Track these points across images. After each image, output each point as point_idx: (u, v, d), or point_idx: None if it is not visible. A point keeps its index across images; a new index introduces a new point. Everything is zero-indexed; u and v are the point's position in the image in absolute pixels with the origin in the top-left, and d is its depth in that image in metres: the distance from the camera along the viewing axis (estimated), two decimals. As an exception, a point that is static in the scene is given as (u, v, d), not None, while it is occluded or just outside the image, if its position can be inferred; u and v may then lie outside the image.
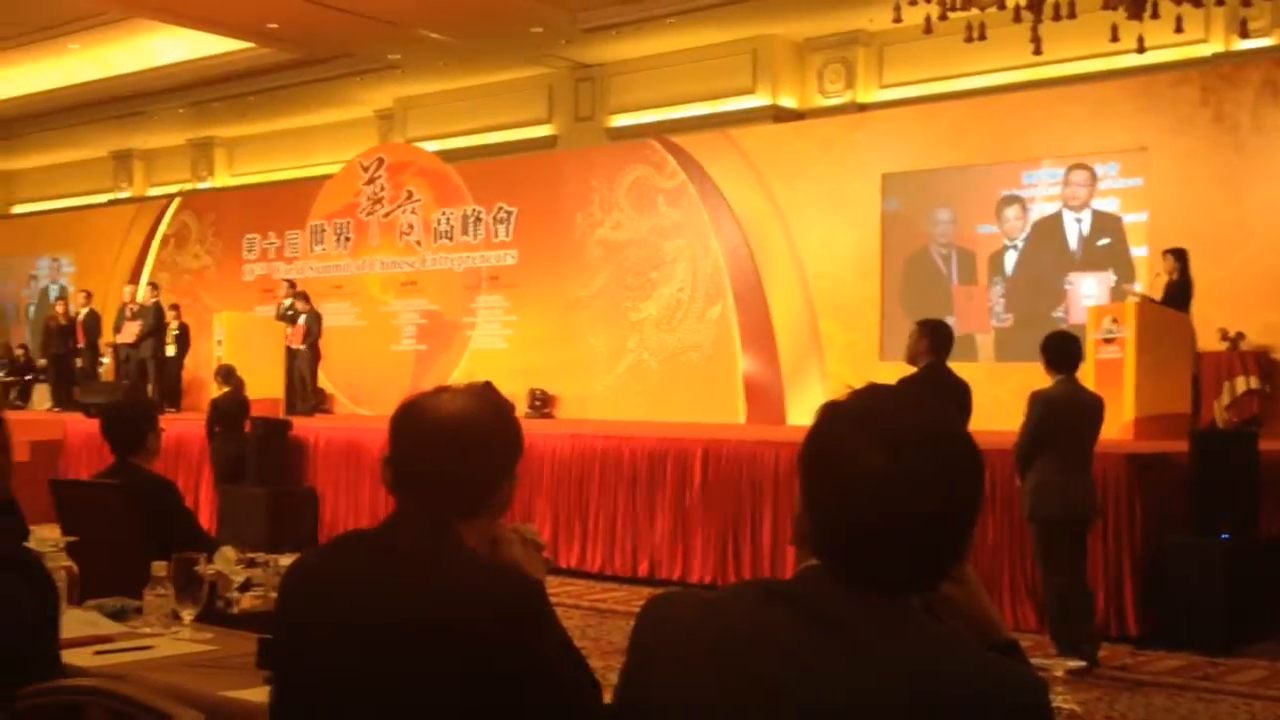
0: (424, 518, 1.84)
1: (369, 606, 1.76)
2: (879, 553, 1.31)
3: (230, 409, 9.99)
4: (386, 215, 15.21)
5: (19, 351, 17.44)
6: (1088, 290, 11.03)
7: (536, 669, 1.74)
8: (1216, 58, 11.61)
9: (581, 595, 7.92)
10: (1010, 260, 11.62)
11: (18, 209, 21.37)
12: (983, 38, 8.29)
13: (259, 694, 2.15)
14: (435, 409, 1.89)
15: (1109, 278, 10.99)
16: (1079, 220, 11.30)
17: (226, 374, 10.33)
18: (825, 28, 13.63)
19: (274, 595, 3.38)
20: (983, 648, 1.40)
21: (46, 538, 3.28)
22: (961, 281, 11.85)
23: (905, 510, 1.30)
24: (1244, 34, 9.58)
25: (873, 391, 1.40)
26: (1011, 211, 11.63)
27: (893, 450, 1.30)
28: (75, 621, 2.76)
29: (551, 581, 8.32)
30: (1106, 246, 11.14)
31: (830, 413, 1.38)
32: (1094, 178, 11.24)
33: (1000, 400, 8.55)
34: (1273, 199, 10.24)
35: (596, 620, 7.16)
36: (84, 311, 15.77)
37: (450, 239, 14.76)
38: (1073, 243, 11.32)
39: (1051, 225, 11.43)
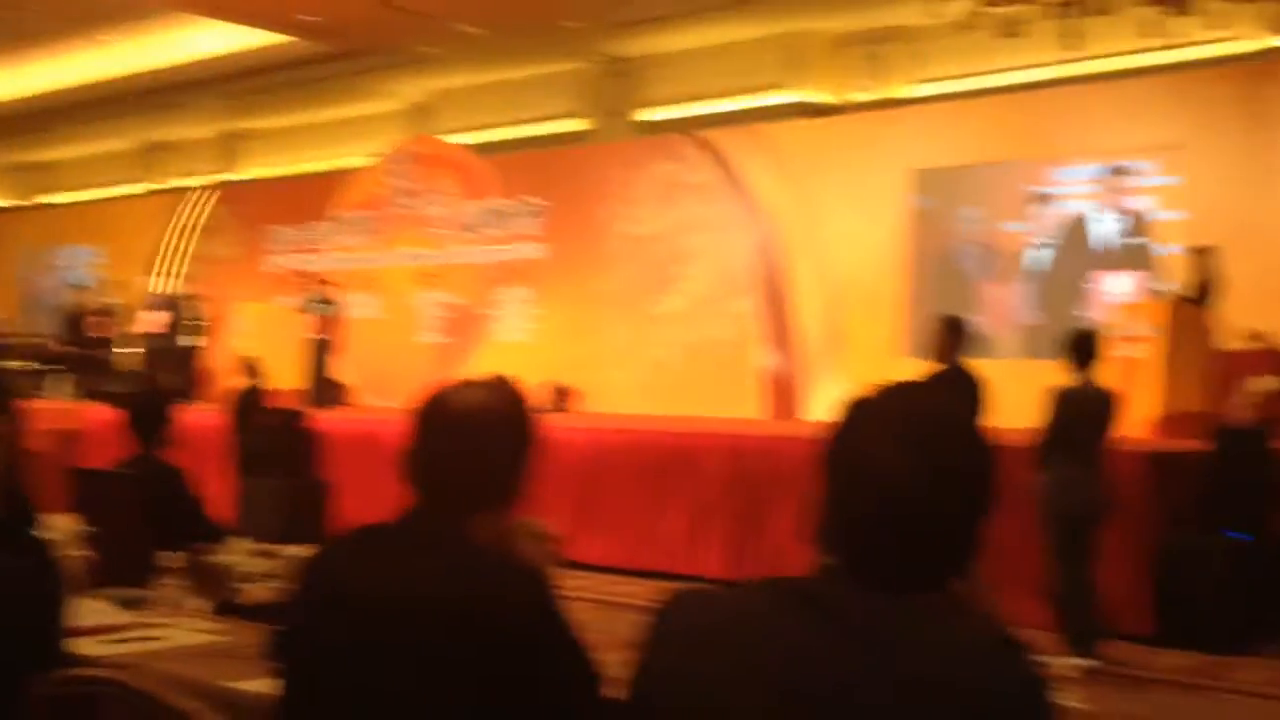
0: (439, 512, 1.86)
1: (379, 599, 1.78)
2: (895, 552, 1.32)
3: (252, 401, 10.04)
4: (413, 208, 15.25)
5: (47, 340, 17.59)
6: (1115, 288, 10.92)
7: (541, 660, 1.75)
8: (1253, 54, 11.46)
9: (594, 588, 7.91)
10: (1038, 258, 11.52)
11: (49, 199, 21.57)
12: (1017, 34, 8.22)
13: (264, 685, 2.15)
14: (454, 402, 1.91)
15: (1137, 276, 10.88)
16: (1109, 218, 11.18)
17: (248, 365, 10.39)
18: (860, 23, 13.54)
19: (285, 587, 3.40)
20: (991, 643, 1.40)
21: (63, 527, 3.30)
22: (988, 279, 11.75)
23: (923, 511, 1.31)
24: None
25: (894, 389, 1.41)
26: (1040, 209, 11.53)
27: (913, 449, 1.32)
28: (88, 610, 2.79)
29: (563, 574, 8.36)
30: (1135, 245, 11.02)
31: (852, 410, 1.39)
32: (1126, 177, 11.12)
33: (1025, 397, 8.44)
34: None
35: (607, 613, 7.13)
36: (110, 302, 15.90)
37: (477, 232, 14.78)
38: (1100, 242, 11.21)
39: (1079, 224, 11.32)
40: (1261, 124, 10.43)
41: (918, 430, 1.34)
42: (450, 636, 1.72)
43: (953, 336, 6.68)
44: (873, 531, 1.32)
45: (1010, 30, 8.15)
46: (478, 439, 1.88)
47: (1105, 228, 11.20)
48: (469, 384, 1.96)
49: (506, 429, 1.92)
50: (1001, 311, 11.61)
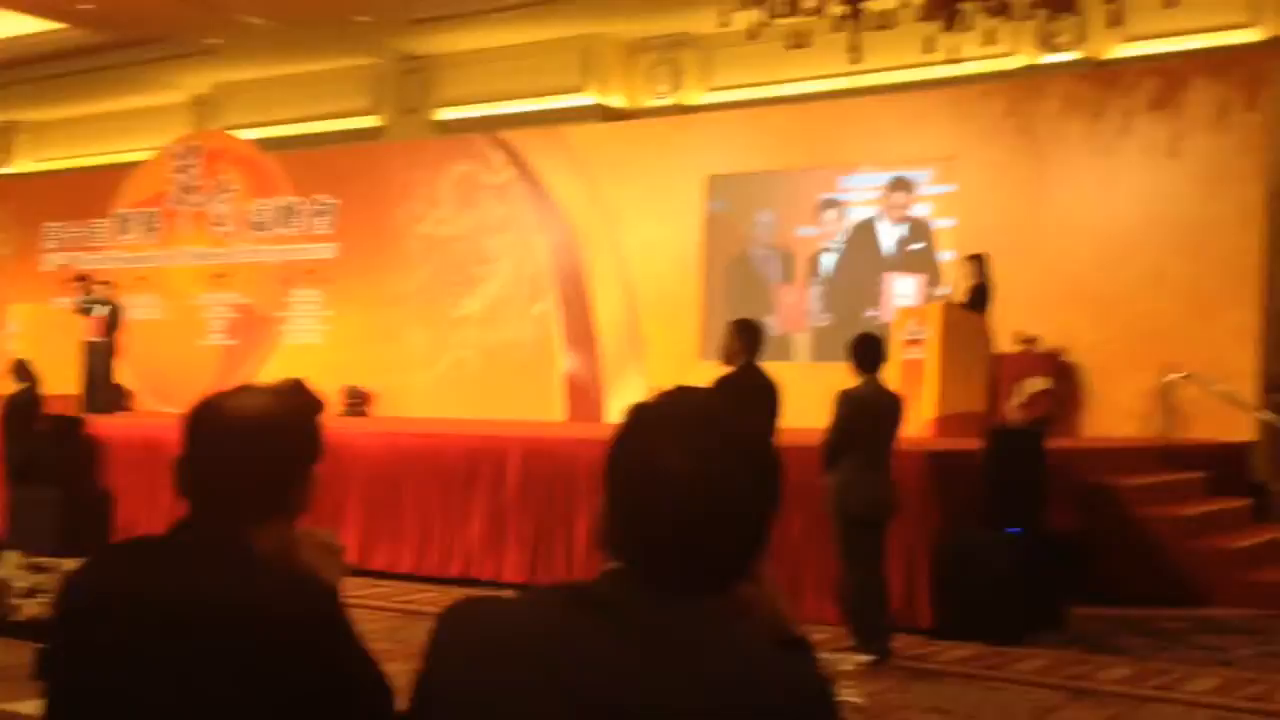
0: (216, 521, 1.79)
1: (153, 613, 1.70)
2: (679, 555, 1.32)
3: (23, 405, 9.51)
4: (198, 205, 14.69)
5: None
6: (900, 292, 11.39)
7: (328, 674, 1.70)
8: (1022, 71, 12.12)
9: (392, 597, 7.79)
10: (828, 262, 11.91)
11: None
12: (805, 45, 8.45)
13: (30, 706, 2.04)
14: (232, 408, 1.83)
15: (919, 281, 11.36)
16: (893, 225, 11.64)
17: (19, 369, 9.83)
18: (653, 29, 13.73)
19: (54, 602, 3.23)
20: (773, 645, 1.42)
21: None
22: (781, 282, 12.08)
23: (706, 514, 1.31)
24: (1050, 48, 10.01)
25: (678, 395, 1.41)
26: (830, 215, 11.92)
27: (695, 454, 1.32)
28: None
29: (361, 583, 8.19)
30: (917, 250, 11.51)
31: (636, 416, 1.39)
32: (909, 187, 11.59)
33: (816, 399, 8.69)
34: (1069, 208, 10.73)
35: (405, 622, 7.04)
36: None
37: (266, 231, 14.34)
38: (886, 246, 11.66)
39: (867, 229, 11.75)
40: (1030, 137, 11.04)
41: (699, 433, 1.34)
42: (230, 651, 1.66)
43: (745, 339, 6.71)
44: (656, 535, 1.33)
45: (797, 42, 8.37)
46: (255, 446, 1.81)
47: (890, 234, 11.66)
48: (246, 388, 1.89)
49: (286, 435, 1.85)
50: (794, 314, 11.96)
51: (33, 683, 2.23)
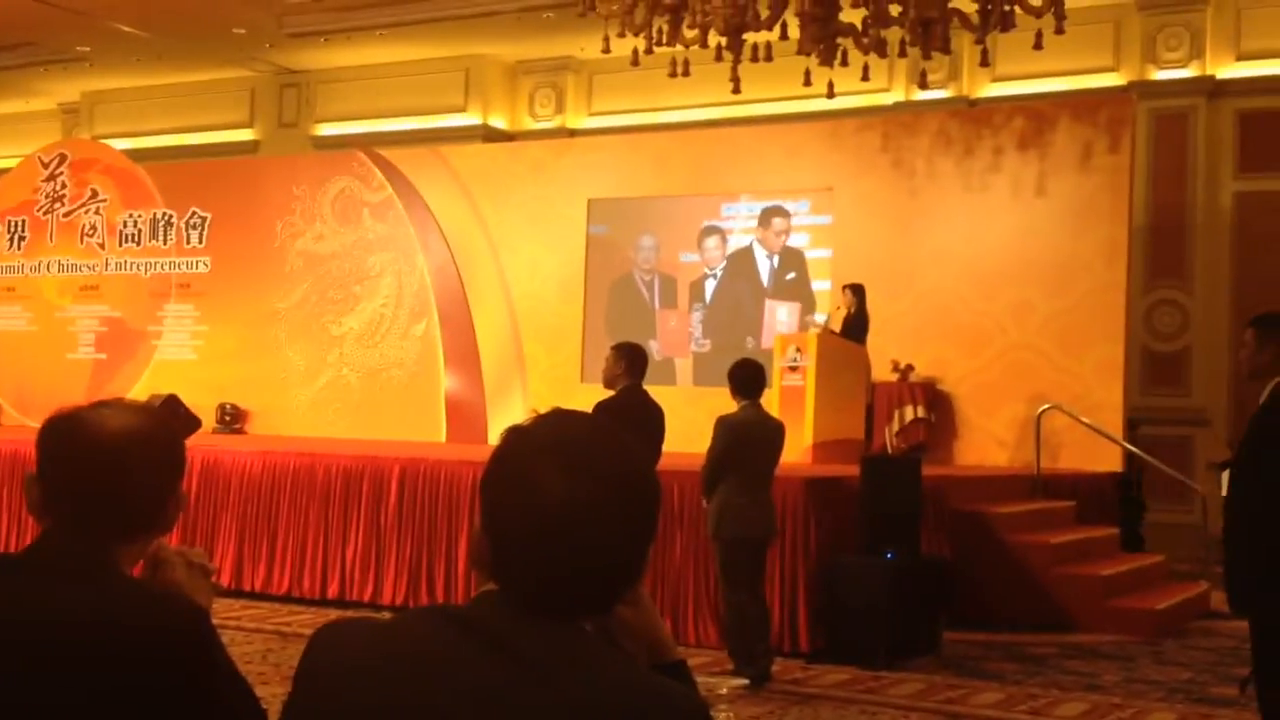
0: (77, 539, 1.73)
1: (11, 635, 1.64)
2: (554, 578, 1.32)
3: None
4: (67, 215, 14.25)
5: None
6: (779, 319, 11.58)
7: (197, 698, 1.66)
8: (897, 106, 12.46)
9: (267, 618, 7.64)
10: (709, 288, 12.06)
11: None
12: (686, 74, 8.56)
13: None
14: (93, 424, 1.78)
15: (797, 309, 11.57)
16: (769, 253, 11.85)
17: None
18: (537, 52, 13.78)
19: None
20: (650, 669, 1.43)
21: None
22: (663, 307, 12.19)
23: (582, 538, 1.31)
24: (923, 85, 10.29)
25: (557, 418, 1.41)
26: (711, 242, 12.07)
27: (572, 478, 1.32)
28: None
29: (235, 604, 8.01)
30: (794, 279, 11.73)
31: (514, 438, 1.38)
32: (785, 215, 11.81)
33: (697, 423, 8.76)
34: (941, 240, 11.05)
35: (280, 644, 6.92)
36: None
37: (137, 243, 13.97)
38: (764, 274, 11.86)
39: (746, 257, 11.94)
40: (904, 171, 11.34)
41: (575, 458, 1.34)
42: (91, 673, 1.61)
43: (628, 362, 6.68)
44: (530, 559, 1.32)
45: (677, 70, 8.47)
46: (123, 462, 1.76)
47: (767, 262, 11.86)
48: (105, 403, 1.83)
49: (152, 451, 1.80)
50: (676, 339, 12.07)
51: None
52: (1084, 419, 9.88)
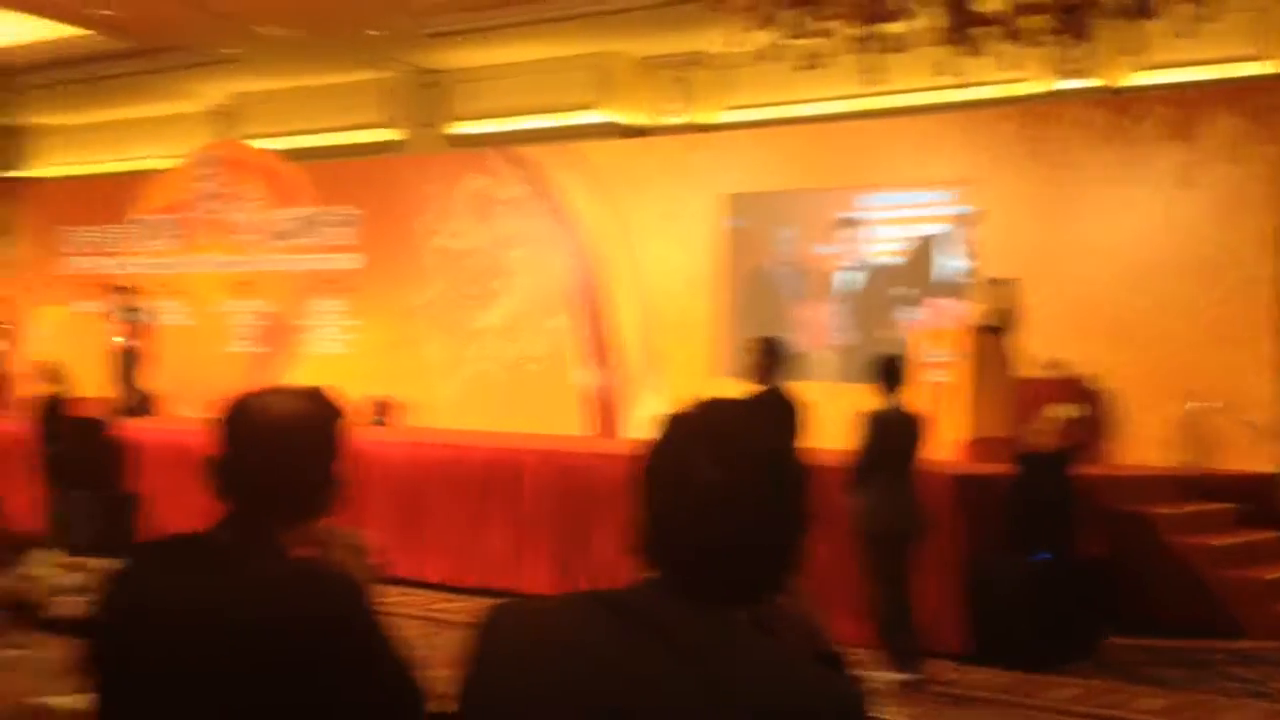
0: (248, 521, 1.82)
1: (190, 611, 1.74)
2: (712, 565, 1.34)
3: (55, 409, 9.61)
4: (220, 213, 14.81)
5: None
6: (921, 313, 11.48)
7: (360, 673, 1.72)
8: (1036, 96, 12.25)
9: (419, 605, 7.87)
10: (848, 281, 12.01)
11: None
12: (815, 67, 8.48)
13: (74, 700, 2.12)
14: (262, 409, 1.86)
15: (941, 304, 11.45)
16: (913, 245, 11.75)
17: (51, 373, 9.92)
18: (667, 47, 13.83)
19: (95, 600, 3.32)
20: (809, 658, 1.45)
21: None
22: (800, 300, 12.18)
23: (739, 525, 1.34)
24: (1063, 74, 10.14)
25: (713, 406, 1.43)
26: (849, 234, 12.01)
27: (728, 466, 1.35)
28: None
29: (389, 591, 8.27)
30: (940, 272, 11.60)
31: (671, 425, 1.41)
32: (923, 208, 11.70)
33: (835, 419, 8.81)
34: (1085, 233, 10.83)
35: (435, 630, 7.13)
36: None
37: (288, 240, 14.46)
38: (909, 267, 11.76)
39: (888, 249, 11.85)
40: (1044, 162, 11.15)
41: (724, 441, 1.36)
42: (261, 647, 1.69)
43: (769, 357, 6.66)
44: (689, 546, 1.34)
45: (810, 63, 8.38)
46: (288, 447, 1.84)
47: (911, 255, 11.76)
48: (276, 390, 1.91)
49: (317, 437, 1.88)
50: (815, 332, 12.05)
51: (70, 678, 2.34)
52: (1242, 417, 9.57)
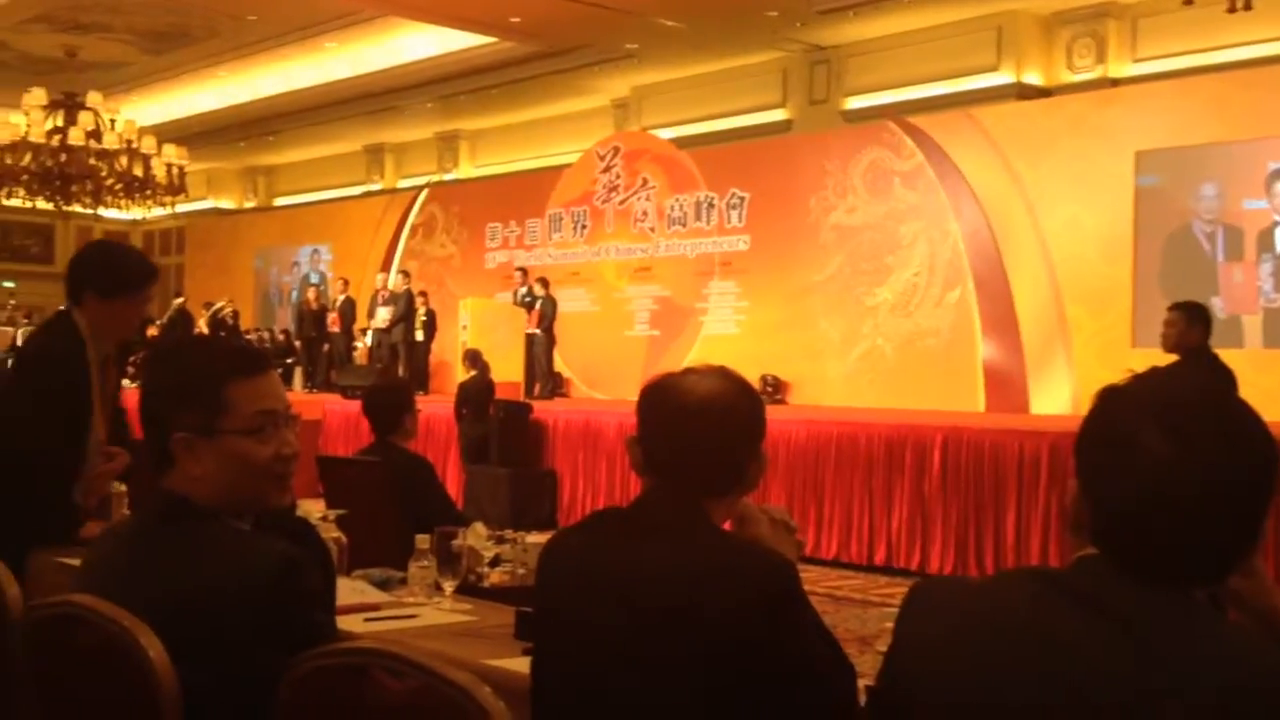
0: (676, 497, 1.86)
1: (628, 583, 1.79)
2: (1163, 542, 1.27)
3: (476, 392, 10.35)
4: (622, 203, 15.46)
5: (280, 336, 18.51)
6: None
7: (791, 647, 1.74)
8: None
9: (817, 581, 7.87)
10: None
11: (280, 201, 22.72)
12: (1249, 8, 7.76)
13: (518, 663, 2.21)
14: (685, 389, 1.91)
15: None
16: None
17: (473, 358, 10.70)
18: (1073, 1, 13.08)
19: (522, 570, 3.50)
20: (1273, 639, 1.35)
21: (313, 511, 3.44)
22: (1228, 260, 11.17)
23: (1191, 497, 1.25)
24: None
25: (1154, 374, 1.36)
26: (1280, 187, 10.91)
27: (1177, 434, 1.27)
28: (345, 590, 2.89)
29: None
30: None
31: (1110, 396, 1.34)
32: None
33: (1267, 389, 8.02)
34: None
35: (833, 607, 7.10)
36: (341, 298, 16.57)
37: (683, 225, 14.89)
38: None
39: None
40: None
41: (1183, 416, 1.28)
42: (697, 621, 1.72)
43: (1194, 324, 6.28)
44: (1138, 523, 1.27)
45: (1237, 5, 7.65)
46: (712, 424, 1.88)
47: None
48: (695, 371, 1.96)
49: (738, 414, 1.92)
50: (1243, 294, 11.02)
51: (513, 643, 2.42)
52: None
